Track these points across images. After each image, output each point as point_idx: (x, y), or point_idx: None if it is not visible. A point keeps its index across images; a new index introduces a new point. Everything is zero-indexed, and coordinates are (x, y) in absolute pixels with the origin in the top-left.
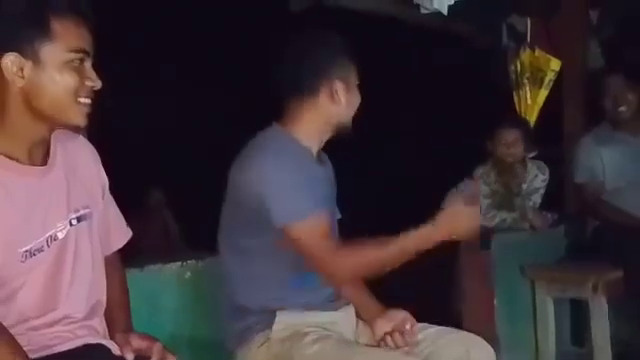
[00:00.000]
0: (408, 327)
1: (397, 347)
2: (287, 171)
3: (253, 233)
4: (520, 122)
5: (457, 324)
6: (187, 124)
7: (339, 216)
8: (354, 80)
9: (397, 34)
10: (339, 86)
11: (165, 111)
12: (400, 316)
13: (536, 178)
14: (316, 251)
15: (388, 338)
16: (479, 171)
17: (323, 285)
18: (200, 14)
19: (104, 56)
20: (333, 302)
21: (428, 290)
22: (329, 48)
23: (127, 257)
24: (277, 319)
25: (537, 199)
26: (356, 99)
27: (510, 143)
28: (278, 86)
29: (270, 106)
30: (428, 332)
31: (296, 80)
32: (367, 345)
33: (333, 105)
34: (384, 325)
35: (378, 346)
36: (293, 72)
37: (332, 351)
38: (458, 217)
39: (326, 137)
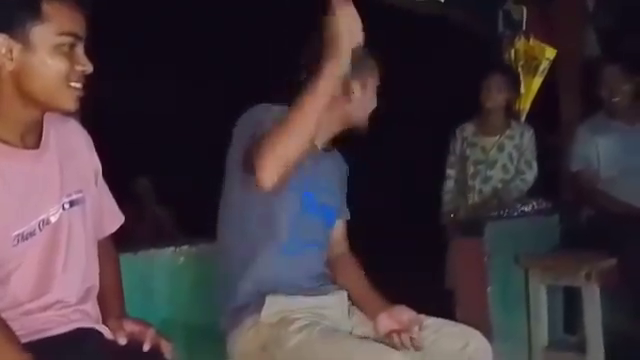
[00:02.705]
0: (416, 330)
1: (403, 347)
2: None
3: (247, 203)
4: (505, 69)
5: (446, 305)
6: (179, 111)
7: (348, 217)
8: (373, 81)
9: (394, 21)
10: (355, 87)
11: (158, 99)
12: (406, 316)
13: (524, 135)
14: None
15: (395, 337)
16: (462, 127)
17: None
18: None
19: (98, 43)
20: (324, 286)
21: (418, 271)
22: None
23: (120, 242)
24: (266, 303)
25: (529, 156)
26: (372, 101)
27: (491, 87)
28: (297, 74)
29: (265, 95)
30: (428, 323)
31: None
32: (360, 337)
33: (347, 104)
34: (388, 322)
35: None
36: (310, 74)
37: (315, 340)
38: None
39: (334, 132)
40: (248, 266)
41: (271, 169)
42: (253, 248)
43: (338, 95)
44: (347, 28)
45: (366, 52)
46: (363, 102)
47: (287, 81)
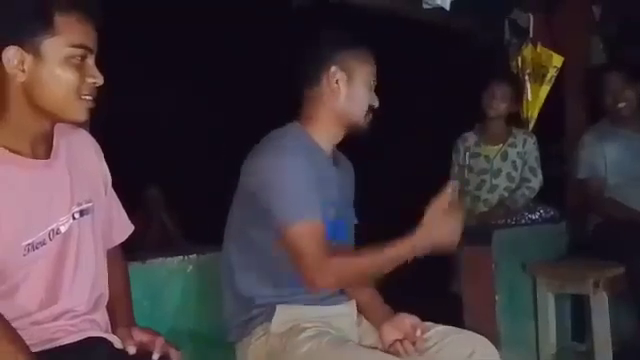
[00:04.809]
0: (419, 334)
1: (407, 354)
2: (293, 171)
3: (263, 224)
4: (510, 78)
5: (454, 308)
6: (186, 121)
7: (356, 221)
8: (362, 75)
9: (399, 29)
10: (339, 76)
11: (165, 109)
12: (409, 323)
13: (526, 142)
14: (304, 256)
15: (398, 345)
16: (464, 137)
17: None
18: (200, 10)
19: (105, 53)
20: (334, 297)
21: (426, 274)
22: (329, 41)
23: (129, 251)
24: (277, 312)
25: (533, 163)
26: (364, 94)
27: (496, 96)
28: (294, 87)
29: (271, 105)
30: (434, 331)
31: (301, 76)
32: (371, 346)
33: (334, 95)
34: (392, 332)
35: (386, 351)
36: (299, 69)
37: (325, 349)
38: (440, 225)
39: (338, 135)
40: (260, 279)
41: (329, 282)
42: (266, 265)
43: (324, 87)
44: (448, 233)
45: (347, 46)
46: (352, 94)
47: (293, 96)
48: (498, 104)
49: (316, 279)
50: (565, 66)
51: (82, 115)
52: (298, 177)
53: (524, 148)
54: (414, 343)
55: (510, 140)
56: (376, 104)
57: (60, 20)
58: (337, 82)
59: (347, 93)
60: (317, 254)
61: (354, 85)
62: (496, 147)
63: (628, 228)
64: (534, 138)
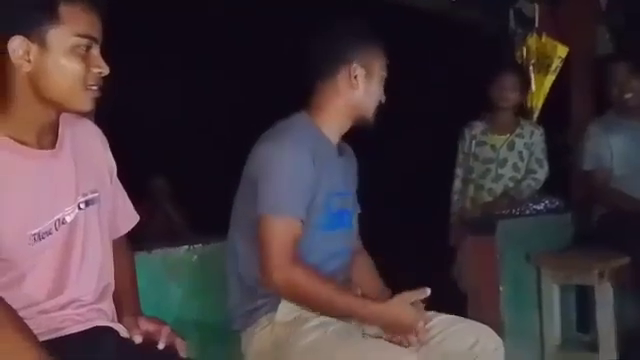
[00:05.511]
0: (422, 325)
1: (410, 345)
2: (291, 165)
3: None
4: (518, 68)
5: (459, 302)
6: (192, 112)
7: (359, 210)
8: (378, 70)
9: (403, 19)
10: (359, 71)
11: (170, 99)
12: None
13: (534, 134)
14: (273, 249)
15: (401, 336)
16: (471, 125)
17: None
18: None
19: (111, 43)
20: (342, 285)
21: (431, 267)
22: (351, 33)
23: (132, 242)
24: (282, 302)
25: (539, 154)
26: (378, 90)
27: (506, 87)
28: (304, 75)
29: (276, 96)
30: (438, 320)
31: (317, 65)
32: (375, 336)
33: (351, 90)
34: None
35: (390, 341)
36: (314, 57)
37: (328, 340)
38: (404, 310)
39: (346, 127)
40: None
41: (284, 284)
42: None
43: (341, 80)
44: (406, 323)
45: (368, 40)
46: (368, 90)
47: (299, 86)
48: (508, 95)
49: (273, 274)
50: (571, 56)
51: (87, 105)
52: (294, 173)
53: (531, 139)
54: (417, 334)
55: (517, 130)
56: (383, 100)
57: (65, 10)
58: (356, 77)
59: (364, 88)
60: (286, 252)
61: (371, 81)
62: (503, 137)
63: (633, 219)
64: (541, 130)
